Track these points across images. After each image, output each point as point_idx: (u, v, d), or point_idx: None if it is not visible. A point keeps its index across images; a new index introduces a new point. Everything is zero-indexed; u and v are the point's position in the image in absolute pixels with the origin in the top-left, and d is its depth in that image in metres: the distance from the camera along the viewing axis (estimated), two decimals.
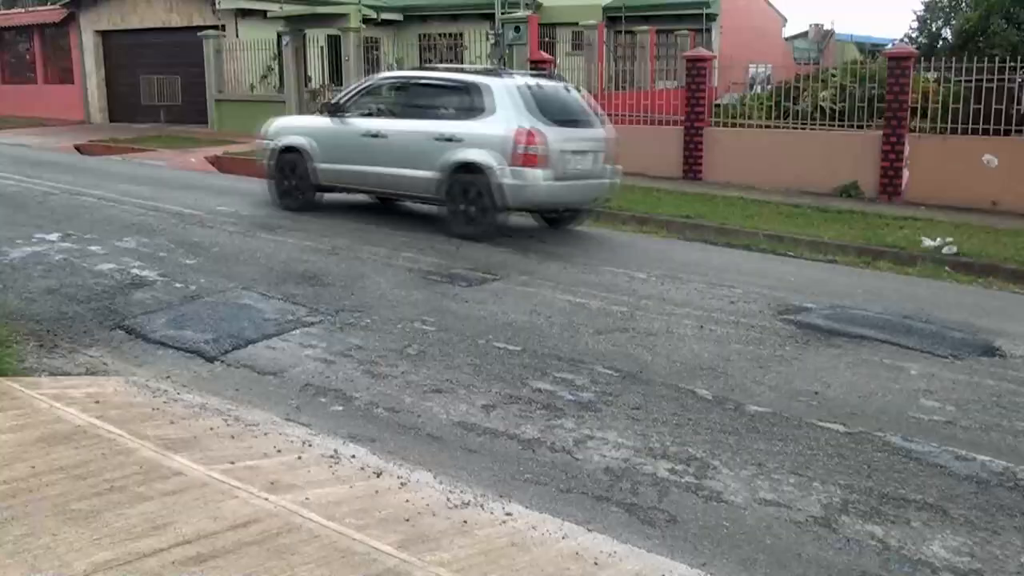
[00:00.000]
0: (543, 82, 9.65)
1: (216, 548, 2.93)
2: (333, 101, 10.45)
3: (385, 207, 10.90)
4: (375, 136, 9.61)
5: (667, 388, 5.11)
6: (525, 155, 8.72)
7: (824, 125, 14.76)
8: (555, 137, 8.88)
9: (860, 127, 14.32)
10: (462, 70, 10.02)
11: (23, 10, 29.90)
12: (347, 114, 10.00)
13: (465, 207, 9.11)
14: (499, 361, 5.45)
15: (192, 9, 23.56)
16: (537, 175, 8.77)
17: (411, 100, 9.87)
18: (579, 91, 10.43)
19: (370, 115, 9.97)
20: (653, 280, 7.70)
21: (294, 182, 10.34)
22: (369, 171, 9.65)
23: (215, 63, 22.49)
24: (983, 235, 10.91)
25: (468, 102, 9.23)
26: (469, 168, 8.97)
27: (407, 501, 3.57)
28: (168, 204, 10.48)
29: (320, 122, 10.30)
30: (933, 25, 29.21)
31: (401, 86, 10.29)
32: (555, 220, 10.18)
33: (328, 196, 10.58)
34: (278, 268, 7.49)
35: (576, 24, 23.83)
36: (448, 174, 9.07)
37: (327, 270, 7.47)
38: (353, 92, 10.36)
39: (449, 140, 9.07)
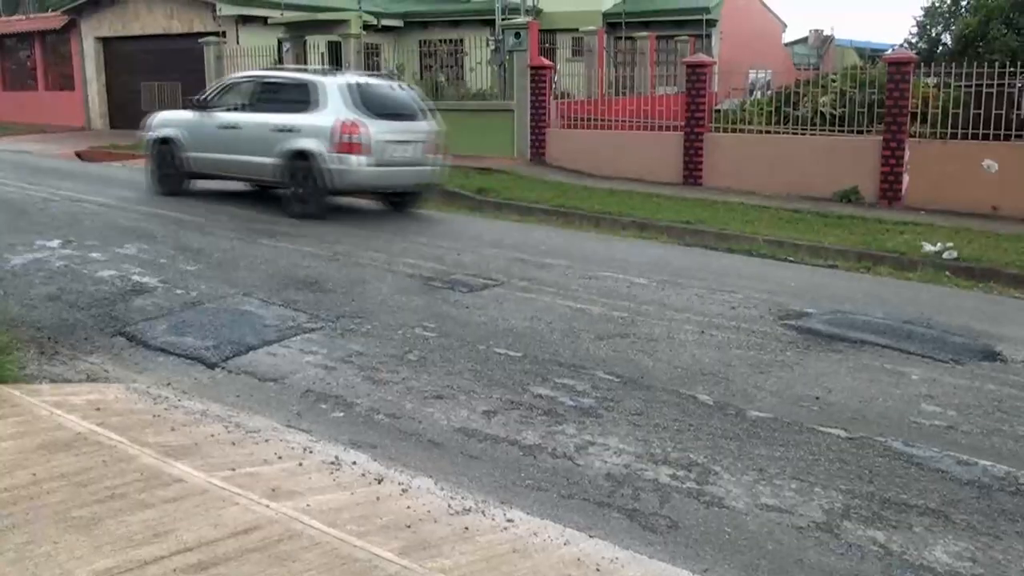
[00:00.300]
0: (371, 81, 11.11)
1: (217, 555, 2.92)
2: (199, 97, 11.87)
3: (257, 193, 11.89)
4: (230, 128, 10.99)
5: (668, 394, 5.11)
6: (348, 144, 10.08)
7: (824, 130, 14.76)
8: (376, 128, 10.24)
9: (860, 132, 14.32)
10: (304, 70, 11.48)
11: (24, 17, 29.98)
12: (210, 109, 11.36)
13: (299, 189, 10.38)
14: (500, 367, 5.45)
15: (193, 16, 23.60)
16: (359, 161, 10.13)
17: (260, 96, 11.17)
18: (411, 89, 11.79)
19: (228, 109, 11.30)
20: (653, 286, 7.71)
21: (169, 170, 11.70)
22: (227, 159, 10.99)
23: (216, 70, 22.48)
24: (983, 240, 10.91)
25: (304, 97, 10.54)
26: (302, 155, 10.27)
27: (408, 507, 3.57)
28: (167, 210, 10.49)
29: (189, 116, 11.63)
30: (933, 30, 29.23)
31: (253, 84, 11.56)
32: (397, 203, 11.60)
33: (202, 184, 11.87)
34: (280, 274, 7.49)
35: (576, 30, 23.86)
36: (285, 160, 10.39)
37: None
38: (215, 89, 11.88)
39: (286, 131, 10.41)
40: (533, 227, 11.34)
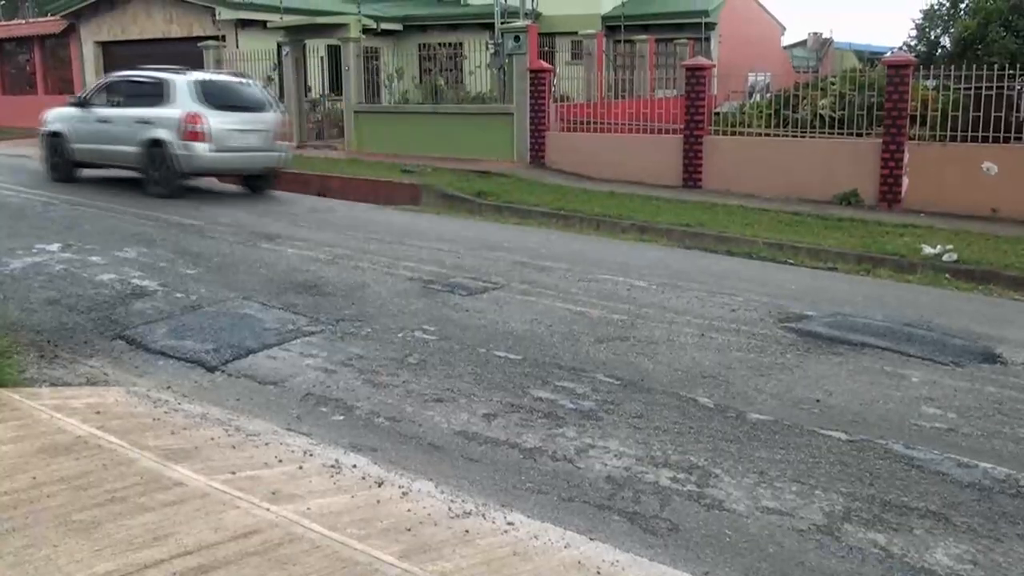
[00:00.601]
0: (218, 78, 12.85)
1: (217, 559, 2.92)
2: (81, 96, 13.59)
3: (136, 179, 12.86)
4: (104, 121, 12.52)
5: (668, 396, 5.11)
6: (192, 132, 11.62)
7: (823, 133, 14.77)
8: (217, 119, 11.78)
9: (859, 135, 14.33)
10: (163, 70, 12.77)
11: (24, 21, 29.99)
12: (89, 105, 12.91)
13: (156, 173, 12.02)
14: (500, 370, 5.45)
15: (192, 20, 23.62)
16: (202, 147, 11.68)
17: (127, 93, 12.72)
18: (259, 85, 13.32)
19: (103, 106, 12.81)
20: (653, 288, 7.71)
21: (59, 160, 13.21)
22: (103, 148, 12.53)
23: None
24: (983, 242, 10.91)
25: (159, 93, 12.12)
26: (157, 143, 11.86)
27: (409, 511, 3.56)
28: (167, 214, 10.50)
29: (74, 112, 13.12)
30: (932, 33, 29.24)
31: (123, 82, 13.04)
32: (252, 185, 13.15)
33: (89, 172, 13.33)
34: (278, 277, 7.50)
35: (575, 33, 23.90)
36: (145, 148, 11.98)
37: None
38: (94, 88, 13.53)
39: (145, 122, 12.00)
40: (533, 230, 11.34)
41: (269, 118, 12.67)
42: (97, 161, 12.90)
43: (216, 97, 12.10)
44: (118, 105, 12.63)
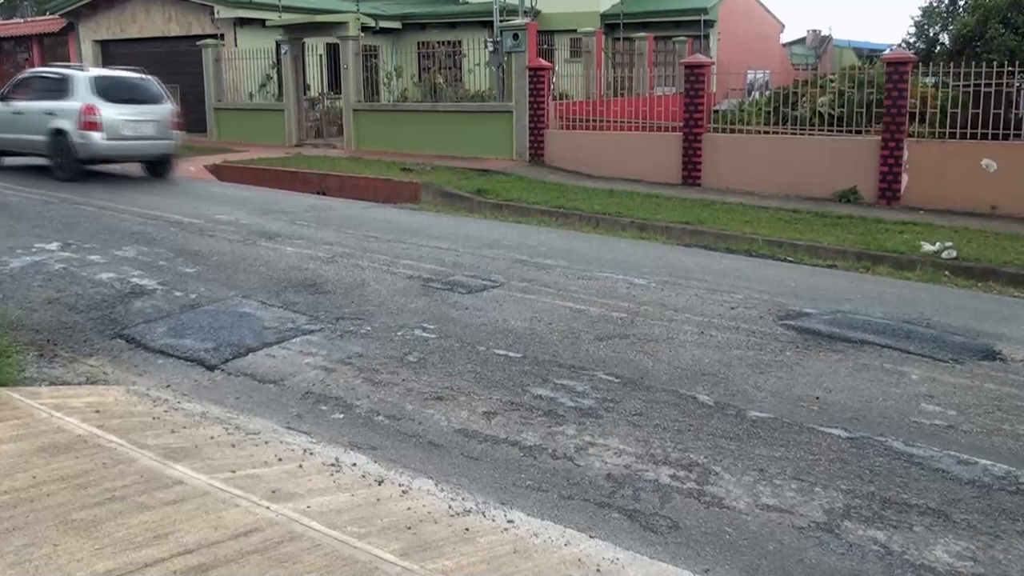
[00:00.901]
0: (115, 74, 14.32)
1: (218, 557, 2.92)
2: (2, 90, 14.66)
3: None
4: (19, 113, 13.84)
5: (668, 394, 5.11)
6: (88, 123, 12.90)
7: (823, 130, 14.77)
8: (112, 111, 13.09)
9: (859, 132, 14.34)
10: (67, 67, 14.45)
11: (22, 20, 29.97)
12: (9, 99, 14.16)
13: (60, 160, 13.31)
14: (500, 368, 5.45)
15: (191, 18, 23.61)
16: (97, 136, 12.95)
17: (39, 87, 13.97)
18: (154, 80, 14.41)
19: (20, 99, 14.05)
20: (653, 286, 7.71)
21: None
22: (19, 138, 13.84)
23: (214, 72, 22.53)
24: (982, 239, 10.92)
25: (63, 88, 13.41)
26: (60, 132, 13.12)
27: (409, 509, 3.56)
28: (167, 213, 10.50)
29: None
30: (931, 30, 29.25)
31: (36, 78, 14.45)
32: (152, 170, 14.53)
33: (12, 160, 14.64)
34: (278, 276, 7.49)
35: (574, 31, 23.91)
36: (50, 137, 13.24)
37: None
38: (13, 83, 14.70)
39: (51, 114, 13.27)
40: (532, 228, 11.34)
41: (162, 109, 13.94)
42: (14, 149, 14.27)
43: (112, 91, 13.43)
44: (31, 99, 13.87)
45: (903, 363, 5.81)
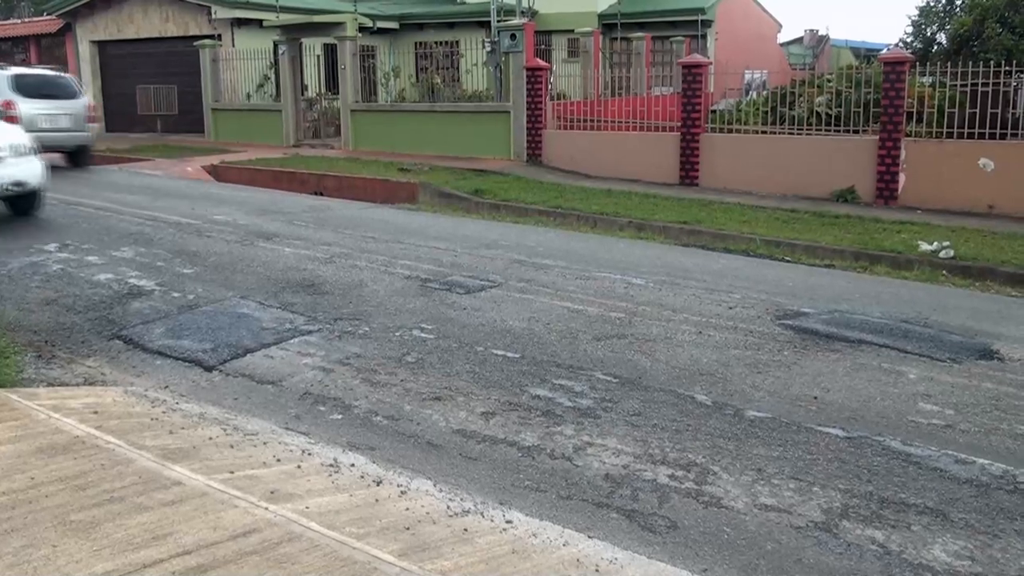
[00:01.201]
0: (32, 72, 15.68)
1: (216, 558, 2.92)
2: None
3: None
4: None
5: (666, 394, 5.11)
6: (7, 116, 13.31)
7: (820, 130, 14.79)
8: (28, 106, 14.38)
9: (856, 132, 14.35)
10: None
11: (20, 20, 29.93)
12: None
13: None
14: (498, 368, 5.45)
15: (188, 19, 23.59)
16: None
17: None
18: (72, 78, 15.76)
19: None
20: (651, 286, 7.71)
21: None
22: None
23: (211, 72, 22.51)
24: (980, 239, 10.93)
25: None
26: None
27: (407, 509, 3.56)
28: (165, 213, 10.49)
29: None
30: (928, 30, 29.29)
31: None
32: (74, 161, 15.60)
33: None
34: (276, 276, 7.49)
35: (572, 31, 23.91)
36: None
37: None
38: None
39: None
40: (530, 228, 11.34)
41: (77, 104, 15.35)
42: None
43: (30, 87, 14.75)
44: None
45: (901, 363, 5.82)
